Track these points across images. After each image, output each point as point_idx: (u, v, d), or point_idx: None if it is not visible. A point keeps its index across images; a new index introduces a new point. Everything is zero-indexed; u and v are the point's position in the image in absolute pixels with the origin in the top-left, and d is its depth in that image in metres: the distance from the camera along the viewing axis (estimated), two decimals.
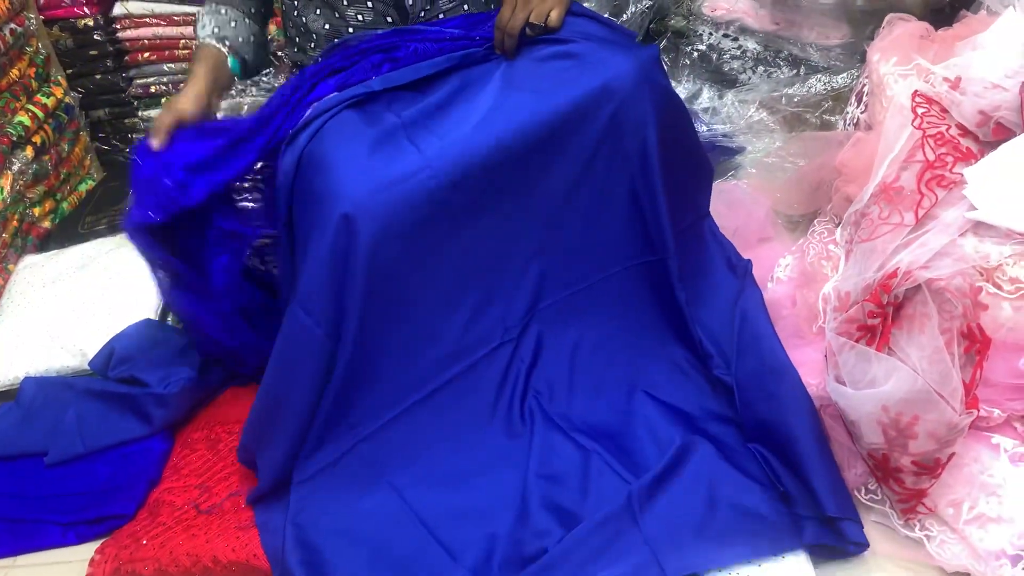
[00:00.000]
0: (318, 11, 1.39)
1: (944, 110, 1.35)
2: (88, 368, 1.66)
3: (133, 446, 1.52)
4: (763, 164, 2.00)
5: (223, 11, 1.48)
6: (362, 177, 1.19)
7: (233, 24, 1.48)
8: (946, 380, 1.08)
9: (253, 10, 1.52)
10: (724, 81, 2.15)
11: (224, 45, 1.47)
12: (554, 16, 1.28)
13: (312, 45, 1.43)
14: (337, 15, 1.38)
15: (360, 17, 1.37)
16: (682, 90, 2.15)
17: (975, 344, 1.10)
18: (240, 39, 1.49)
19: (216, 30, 1.46)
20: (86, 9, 2.38)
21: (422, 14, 1.38)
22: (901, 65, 1.45)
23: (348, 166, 1.20)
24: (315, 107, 1.28)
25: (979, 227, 1.20)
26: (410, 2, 1.37)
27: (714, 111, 2.11)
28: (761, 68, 2.14)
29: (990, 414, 1.17)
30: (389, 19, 1.38)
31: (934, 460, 1.13)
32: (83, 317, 1.75)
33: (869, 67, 1.55)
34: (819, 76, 2.02)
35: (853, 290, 1.24)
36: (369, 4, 1.37)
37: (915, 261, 1.16)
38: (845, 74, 1.98)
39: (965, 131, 1.31)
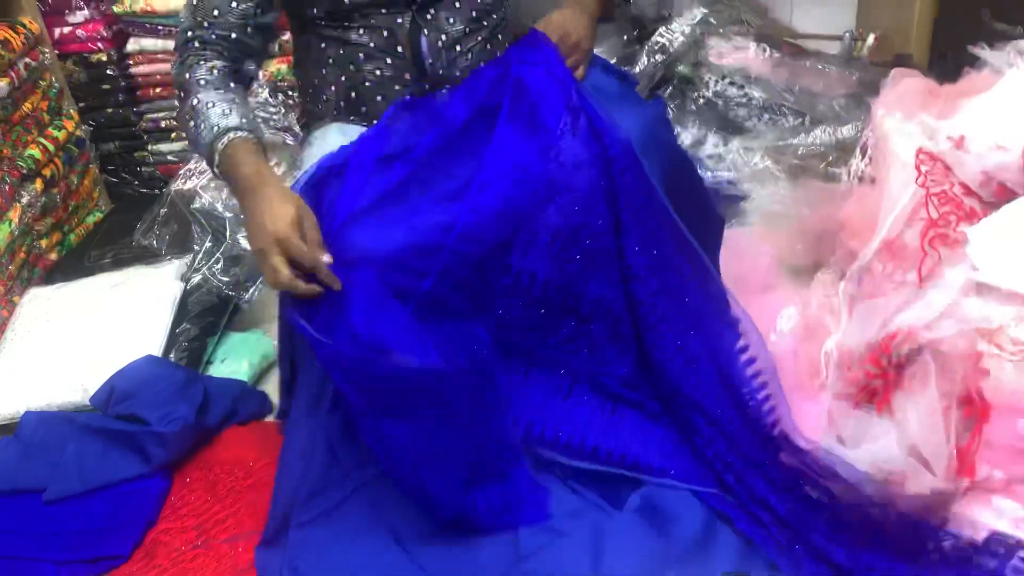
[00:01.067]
0: (332, 61, 1.40)
1: (947, 168, 1.35)
2: (89, 404, 1.66)
3: (131, 485, 1.51)
4: (767, 212, 2.00)
5: (232, 95, 1.31)
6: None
7: (245, 108, 1.31)
8: (938, 446, 1.08)
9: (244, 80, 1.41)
10: (730, 128, 2.17)
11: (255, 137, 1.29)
12: (580, 73, 1.32)
13: (326, 97, 1.43)
14: (354, 68, 1.38)
15: (378, 72, 1.38)
16: (687, 136, 2.16)
17: (975, 410, 1.10)
18: (255, 125, 1.32)
19: (243, 121, 1.27)
20: (100, 44, 2.42)
21: (441, 72, 1.38)
22: (905, 121, 1.46)
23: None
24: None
25: (982, 287, 1.20)
26: (429, 61, 1.38)
27: (719, 158, 2.12)
28: (767, 116, 2.16)
29: (991, 476, 1.16)
30: (408, 76, 1.39)
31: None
32: (86, 352, 1.75)
33: (873, 121, 1.56)
34: (824, 127, 2.03)
35: (855, 347, 1.24)
36: (388, 60, 1.37)
37: (917, 322, 1.16)
38: (850, 125, 2.00)
39: (968, 190, 1.32)
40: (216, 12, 1.32)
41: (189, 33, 1.33)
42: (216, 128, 1.24)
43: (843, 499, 1.18)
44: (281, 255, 1.14)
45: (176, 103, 2.46)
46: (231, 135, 1.24)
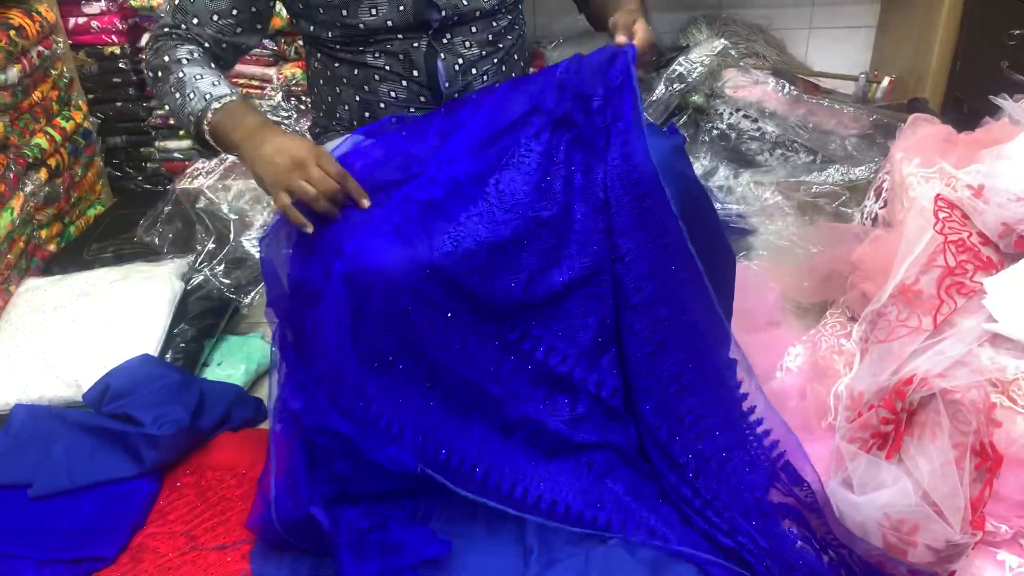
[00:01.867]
0: (346, 80, 1.38)
1: (966, 216, 1.35)
2: (81, 401, 1.63)
3: (120, 486, 1.48)
4: (775, 247, 2.00)
5: (218, 71, 1.34)
6: None
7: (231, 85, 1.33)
8: (952, 496, 1.07)
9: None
10: (741, 161, 2.16)
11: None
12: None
13: (339, 115, 1.42)
14: (368, 90, 1.38)
15: (393, 94, 1.37)
16: (699, 166, 2.15)
17: (986, 462, 1.09)
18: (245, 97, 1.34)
19: (233, 91, 1.31)
20: (114, 37, 2.40)
21: (456, 94, 1.38)
22: (924, 167, 1.46)
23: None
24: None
25: (997, 338, 1.20)
26: (446, 84, 1.37)
27: (729, 190, 2.12)
28: (779, 151, 2.16)
29: (997, 529, 1.15)
30: (423, 99, 1.38)
31: (932, 574, 1.11)
32: (81, 347, 1.72)
33: (891, 165, 1.56)
34: (837, 166, 2.03)
35: (867, 391, 1.23)
36: (403, 83, 1.37)
37: (931, 369, 1.15)
38: (864, 167, 2.00)
39: (986, 240, 1.31)
40: (196, 20, 1.34)
41: (166, 29, 1.35)
42: (208, 95, 1.26)
43: (848, 548, 1.17)
44: (316, 165, 1.17)
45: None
46: (225, 100, 1.26)
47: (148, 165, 2.57)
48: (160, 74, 1.32)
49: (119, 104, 2.49)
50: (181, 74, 1.29)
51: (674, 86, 2.14)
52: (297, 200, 1.17)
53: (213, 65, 1.34)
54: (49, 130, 2.18)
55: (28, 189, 2.06)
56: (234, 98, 1.27)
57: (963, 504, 1.05)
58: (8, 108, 2.04)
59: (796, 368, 1.49)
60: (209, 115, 1.26)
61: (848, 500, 1.15)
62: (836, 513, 1.19)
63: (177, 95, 1.29)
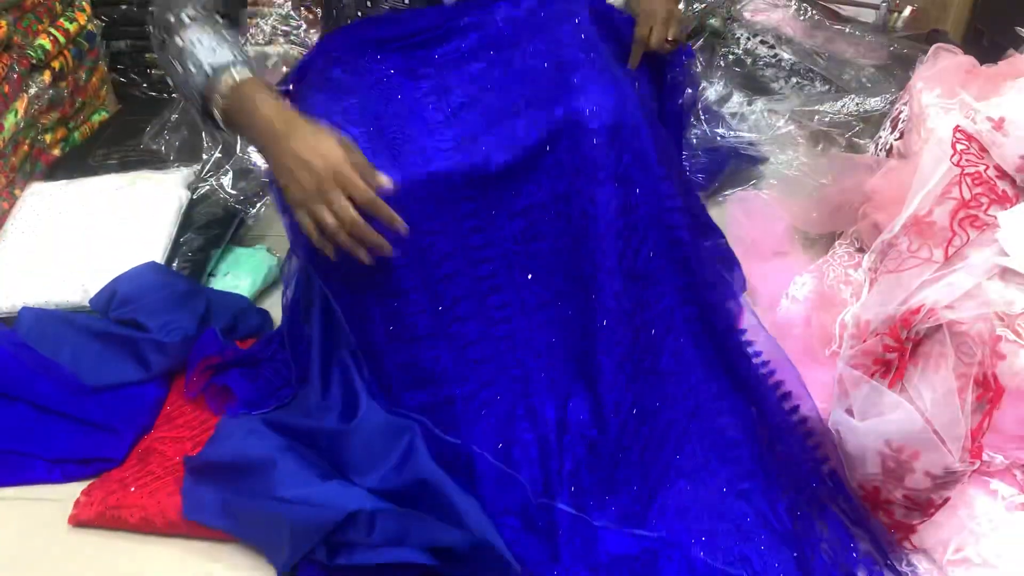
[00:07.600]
0: None
1: (983, 149, 1.34)
2: (88, 305, 1.64)
3: (127, 389, 1.50)
4: (785, 177, 2.00)
5: (222, 32, 1.18)
6: None
7: (234, 45, 1.19)
8: (953, 425, 1.08)
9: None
10: (755, 88, 2.14)
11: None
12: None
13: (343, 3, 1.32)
14: (370, 3, 1.29)
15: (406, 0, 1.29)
16: (712, 92, 2.13)
17: (988, 393, 1.10)
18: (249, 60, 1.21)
19: (236, 56, 1.16)
20: None
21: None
22: (944, 98, 1.44)
23: None
24: None
25: (1007, 272, 1.20)
26: None
27: (742, 117, 2.10)
28: (794, 80, 2.13)
29: (992, 460, 1.18)
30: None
31: (927, 500, 1.14)
32: (87, 253, 1.72)
33: (910, 95, 1.54)
34: (852, 96, 2.01)
35: (873, 320, 1.24)
36: None
37: (939, 300, 1.16)
38: (878, 98, 1.97)
39: (1003, 173, 1.30)
40: None
41: None
42: (211, 67, 1.13)
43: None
44: (342, 194, 1.04)
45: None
46: (229, 75, 1.13)
47: (153, 72, 2.52)
48: (164, 36, 1.18)
49: (124, 7, 2.44)
50: (179, 40, 1.15)
51: (693, 6, 2.10)
52: None
53: (219, 20, 1.20)
54: (52, 31, 2.14)
55: (32, 91, 2.03)
56: (237, 74, 1.13)
57: (963, 433, 1.06)
58: (11, 6, 1.99)
59: (802, 297, 1.50)
60: (217, 98, 1.14)
61: (849, 425, 1.16)
62: (836, 439, 1.22)
63: (176, 64, 1.16)
